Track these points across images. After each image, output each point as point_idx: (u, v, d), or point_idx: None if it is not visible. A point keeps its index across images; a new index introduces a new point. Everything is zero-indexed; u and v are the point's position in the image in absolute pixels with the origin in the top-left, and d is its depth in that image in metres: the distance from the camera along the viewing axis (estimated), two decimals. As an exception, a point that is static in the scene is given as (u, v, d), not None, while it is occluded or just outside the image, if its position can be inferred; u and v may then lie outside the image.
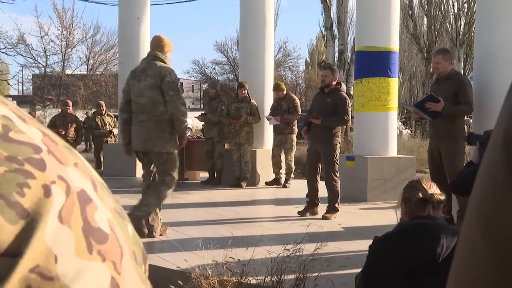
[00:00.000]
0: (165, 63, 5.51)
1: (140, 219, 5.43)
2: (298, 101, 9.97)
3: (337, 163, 6.80)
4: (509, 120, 0.36)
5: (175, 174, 5.64)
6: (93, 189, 0.41)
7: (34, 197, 0.37)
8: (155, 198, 5.56)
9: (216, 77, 37.95)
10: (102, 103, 13.05)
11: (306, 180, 7.20)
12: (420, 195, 2.42)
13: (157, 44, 5.60)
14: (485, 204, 0.37)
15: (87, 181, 0.41)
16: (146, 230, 5.56)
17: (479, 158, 3.90)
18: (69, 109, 11.75)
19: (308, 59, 47.07)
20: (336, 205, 6.84)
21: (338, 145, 6.84)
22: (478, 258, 0.37)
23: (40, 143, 0.39)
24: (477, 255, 0.37)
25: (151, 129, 5.42)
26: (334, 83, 6.83)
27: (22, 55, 32.45)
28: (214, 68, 40.12)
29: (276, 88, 9.77)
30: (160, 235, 5.73)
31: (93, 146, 13.78)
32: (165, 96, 5.36)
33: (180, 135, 5.49)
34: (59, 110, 12.02)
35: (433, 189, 2.46)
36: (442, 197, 2.46)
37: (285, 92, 9.74)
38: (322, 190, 6.93)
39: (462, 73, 17.18)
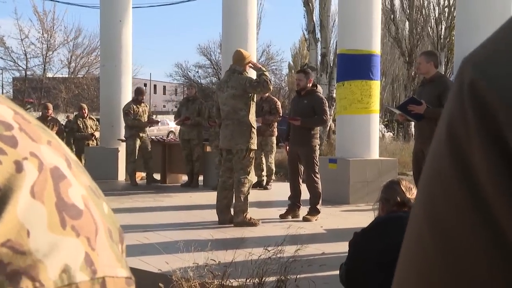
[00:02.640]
0: (242, 74, 6.46)
1: (243, 222, 6.37)
2: (279, 102, 10.01)
3: (317, 165, 6.86)
4: (453, 110, 0.37)
5: (252, 170, 6.58)
6: (67, 167, 0.41)
7: (5, 173, 0.37)
8: (242, 200, 6.39)
9: (199, 80, 37.88)
10: (84, 106, 12.98)
11: (288, 183, 7.22)
12: (398, 199, 2.50)
13: (238, 59, 6.57)
14: (430, 191, 0.38)
15: (61, 158, 0.41)
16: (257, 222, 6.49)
17: None
18: (49, 112, 11.65)
19: (291, 63, 47.17)
20: (318, 207, 6.87)
21: (317, 147, 6.91)
22: (424, 244, 0.38)
23: (12, 121, 0.39)
24: (423, 241, 0.38)
25: (234, 130, 6.41)
26: (310, 85, 6.89)
27: (2, 58, 32.18)
28: (197, 71, 40.06)
29: None
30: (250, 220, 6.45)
31: (74, 149, 13.65)
32: (256, 92, 6.49)
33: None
34: (40, 113, 11.91)
35: (412, 192, 2.52)
36: None
37: (266, 94, 9.77)
38: (304, 192, 6.95)
39: (443, 76, 17.26)
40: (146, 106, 10.68)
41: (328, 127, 17.26)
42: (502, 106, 0.33)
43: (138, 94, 10.57)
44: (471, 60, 0.37)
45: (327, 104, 7.04)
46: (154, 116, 10.78)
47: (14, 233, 0.35)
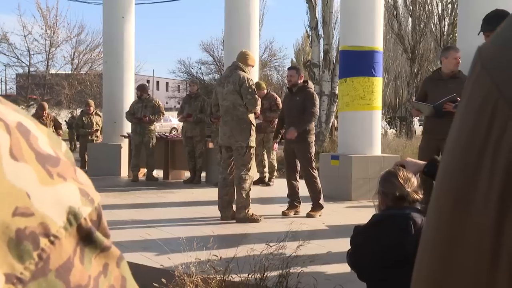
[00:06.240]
0: (245, 72, 6.51)
1: (245, 218, 6.43)
2: (279, 99, 10.01)
3: (314, 161, 6.86)
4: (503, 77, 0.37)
5: (252, 166, 6.66)
6: (26, 119, 0.41)
7: None
8: (244, 196, 6.43)
9: (202, 77, 37.87)
10: (91, 102, 12.99)
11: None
12: (397, 193, 2.41)
13: (242, 57, 6.70)
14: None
15: (17, 113, 0.41)
16: (260, 218, 6.53)
17: None
18: (45, 112, 11.53)
19: (294, 59, 47.09)
20: (320, 202, 6.88)
21: (313, 143, 6.91)
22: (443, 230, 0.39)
23: None
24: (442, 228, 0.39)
25: (233, 128, 6.45)
26: (301, 81, 6.90)
27: (5, 54, 32.15)
28: (200, 68, 40.06)
29: (257, 87, 9.78)
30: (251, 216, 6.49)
31: (78, 145, 13.70)
32: (244, 99, 6.41)
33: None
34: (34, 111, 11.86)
35: (411, 183, 2.42)
36: (419, 196, 2.42)
37: (265, 91, 9.77)
38: (303, 189, 6.96)
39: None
40: (151, 102, 10.60)
41: (331, 123, 17.25)
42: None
43: (137, 91, 10.66)
44: (480, 55, 0.39)
45: (317, 99, 6.99)
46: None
47: (18, 200, 0.36)
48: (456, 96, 5.46)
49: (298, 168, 6.99)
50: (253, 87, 6.53)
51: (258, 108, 6.61)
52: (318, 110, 6.93)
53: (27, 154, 0.38)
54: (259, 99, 6.62)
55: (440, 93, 5.64)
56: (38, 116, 11.33)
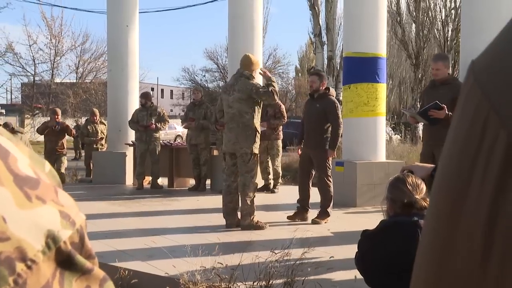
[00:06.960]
0: (249, 79, 6.46)
1: (250, 225, 6.41)
2: (283, 106, 10.01)
3: (329, 168, 6.86)
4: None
5: (256, 174, 6.62)
6: (7, 140, 0.41)
7: None
8: (248, 203, 6.42)
9: (206, 84, 37.94)
10: (96, 111, 13.00)
11: (295, 186, 7.23)
12: (405, 200, 2.39)
13: (246, 62, 6.61)
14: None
15: None
16: (265, 225, 6.52)
17: None
18: (57, 118, 11.60)
19: (298, 66, 47.20)
20: (328, 210, 6.87)
21: None
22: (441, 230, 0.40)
23: None
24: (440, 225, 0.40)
25: (239, 134, 6.44)
26: (323, 88, 6.89)
27: (10, 64, 32.39)
28: (204, 76, 40.11)
29: None
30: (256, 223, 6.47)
31: (83, 153, 13.74)
32: (260, 100, 6.44)
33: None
34: (49, 118, 11.89)
35: (419, 190, 2.40)
36: (427, 203, 2.37)
37: None
38: (314, 195, 6.96)
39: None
40: (156, 110, 10.60)
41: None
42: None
43: (141, 99, 10.68)
44: (472, 68, 0.40)
45: (339, 108, 7.01)
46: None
47: None
48: (438, 103, 5.61)
49: (312, 175, 6.98)
50: (260, 88, 6.50)
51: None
52: (341, 120, 6.96)
53: (4, 176, 0.38)
54: (274, 89, 6.42)
55: (432, 98, 5.84)
56: (51, 122, 11.39)
